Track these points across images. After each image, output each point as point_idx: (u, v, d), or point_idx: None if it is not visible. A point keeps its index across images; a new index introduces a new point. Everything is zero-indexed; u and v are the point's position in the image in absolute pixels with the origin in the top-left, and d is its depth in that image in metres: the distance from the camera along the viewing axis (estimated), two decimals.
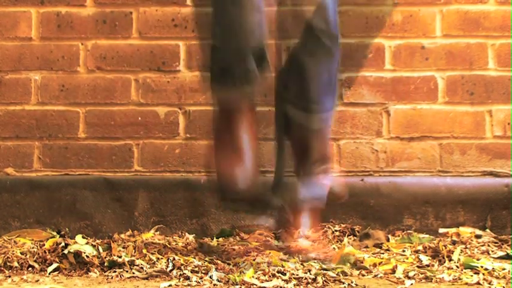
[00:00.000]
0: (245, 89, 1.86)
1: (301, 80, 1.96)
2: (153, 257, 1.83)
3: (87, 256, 1.75)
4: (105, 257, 1.76)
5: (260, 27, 1.91)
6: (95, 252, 1.76)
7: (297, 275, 1.65)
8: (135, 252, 1.86)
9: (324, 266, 1.74)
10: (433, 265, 1.80)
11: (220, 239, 2.19)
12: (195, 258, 1.83)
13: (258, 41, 1.88)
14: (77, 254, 1.74)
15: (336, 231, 2.19)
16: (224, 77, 1.86)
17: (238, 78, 1.85)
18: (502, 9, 2.36)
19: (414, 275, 1.70)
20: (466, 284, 1.64)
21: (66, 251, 1.75)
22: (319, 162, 1.99)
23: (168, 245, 2.01)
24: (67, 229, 2.25)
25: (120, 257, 1.77)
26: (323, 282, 1.61)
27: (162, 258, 1.82)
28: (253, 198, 1.81)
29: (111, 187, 2.30)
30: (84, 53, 2.37)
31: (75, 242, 1.83)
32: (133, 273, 1.69)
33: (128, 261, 1.76)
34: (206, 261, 1.80)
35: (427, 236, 2.18)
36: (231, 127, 1.83)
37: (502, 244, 2.10)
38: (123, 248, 1.88)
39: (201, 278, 1.64)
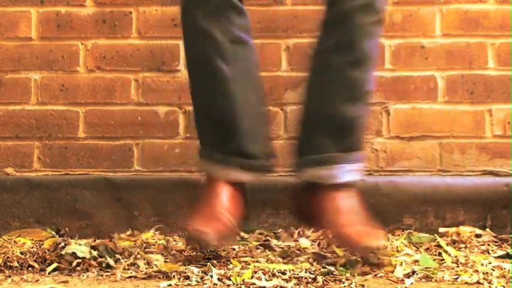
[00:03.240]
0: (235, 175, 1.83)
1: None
2: (153, 257, 1.83)
3: (87, 256, 1.74)
4: (105, 257, 1.76)
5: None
6: (94, 252, 1.76)
7: (297, 274, 1.65)
8: (134, 252, 1.85)
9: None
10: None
11: None
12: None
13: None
14: (77, 254, 1.74)
15: None
16: (212, 154, 1.85)
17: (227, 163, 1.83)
18: (501, 8, 2.36)
19: (414, 274, 1.70)
20: (466, 283, 1.64)
21: (65, 251, 1.75)
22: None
23: (168, 245, 2.01)
24: (67, 229, 2.25)
25: (120, 257, 1.77)
26: (323, 282, 1.61)
27: (161, 258, 1.82)
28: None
29: (111, 187, 2.30)
30: (84, 52, 2.37)
31: (75, 242, 1.83)
32: (133, 273, 1.69)
33: (128, 261, 1.76)
34: (206, 260, 1.80)
35: (427, 235, 2.18)
36: (213, 194, 1.83)
37: (502, 243, 2.09)
38: (123, 248, 1.88)
39: (201, 278, 1.64)
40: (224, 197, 1.82)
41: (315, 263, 1.79)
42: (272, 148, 1.94)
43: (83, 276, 1.68)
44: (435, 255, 1.91)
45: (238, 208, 1.84)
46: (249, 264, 1.77)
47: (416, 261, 1.81)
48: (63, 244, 1.78)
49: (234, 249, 2.00)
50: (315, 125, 1.85)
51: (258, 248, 2.00)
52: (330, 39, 1.83)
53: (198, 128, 1.89)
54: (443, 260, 1.84)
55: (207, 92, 1.83)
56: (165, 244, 2.02)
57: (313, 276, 1.63)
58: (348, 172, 1.83)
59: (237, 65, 1.81)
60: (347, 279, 1.63)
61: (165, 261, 1.81)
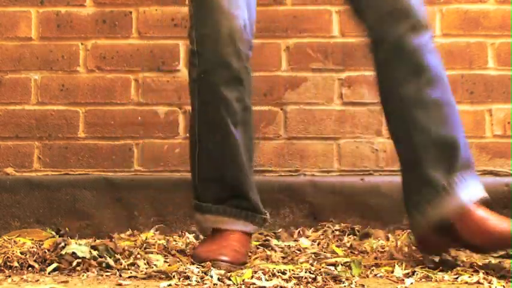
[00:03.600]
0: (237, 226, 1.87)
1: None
2: (153, 257, 1.83)
3: (87, 256, 1.74)
4: (105, 257, 1.75)
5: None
6: (94, 252, 1.76)
7: (297, 274, 1.65)
8: (134, 252, 1.85)
9: None
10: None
11: None
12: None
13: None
14: (77, 254, 1.74)
15: (335, 230, 2.19)
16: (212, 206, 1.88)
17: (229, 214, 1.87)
18: (501, 8, 2.36)
19: (414, 274, 1.70)
20: (466, 283, 1.64)
21: (65, 251, 1.75)
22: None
23: (168, 245, 2.01)
24: (67, 229, 2.25)
25: (120, 257, 1.77)
26: (323, 282, 1.61)
27: (162, 258, 1.82)
28: None
29: (111, 187, 2.30)
30: (84, 52, 2.37)
31: (75, 242, 1.83)
32: (133, 273, 1.69)
33: (128, 261, 1.76)
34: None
35: None
36: (223, 235, 1.86)
37: None
38: (123, 248, 1.88)
39: (201, 278, 1.64)
40: (234, 237, 1.85)
41: (315, 263, 1.79)
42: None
43: (83, 276, 1.68)
44: None
45: (246, 247, 1.88)
46: (249, 264, 1.77)
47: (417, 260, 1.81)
48: (63, 244, 1.78)
49: None
50: (419, 158, 1.79)
51: (258, 248, 2.00)
52: (395, 72, 1.79)
53: (199, 185, 1.91)
54: None
55: (218, 155, 1.86)
56: (165, 244, 2.02)
57: (313, 276, 1.63)
58: (468, 190, 1.76)
59: (244, 131, 1.86)
60: (347, 279, 1.63)
61: (165, 261, 1.81)
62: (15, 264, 1.75)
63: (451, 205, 1.74)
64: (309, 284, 1.59)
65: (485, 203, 1.76)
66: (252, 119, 1.92)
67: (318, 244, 2.06)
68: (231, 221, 1.87)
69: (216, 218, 1.87)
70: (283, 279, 1.61)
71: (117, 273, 1.70)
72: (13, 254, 1.82)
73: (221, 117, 1.83)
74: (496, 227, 1.70)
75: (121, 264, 1.75)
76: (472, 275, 1.68)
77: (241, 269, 1.72)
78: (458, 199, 1.74)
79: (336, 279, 1.63)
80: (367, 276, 1.70)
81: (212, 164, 1.88)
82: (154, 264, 1.77)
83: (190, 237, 2.18)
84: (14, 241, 2.10)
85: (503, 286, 1.59)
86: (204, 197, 1.89)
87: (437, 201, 1.75)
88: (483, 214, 1.73)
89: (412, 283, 1.63)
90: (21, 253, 1.84)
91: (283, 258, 1.88)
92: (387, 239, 2.12)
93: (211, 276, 1.63)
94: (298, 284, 1.59)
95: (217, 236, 1.85)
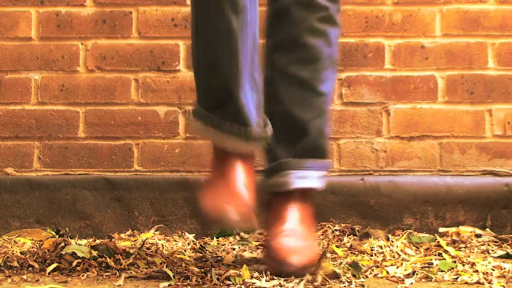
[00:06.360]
0: (243, 144, 1.63)
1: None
2: (153, 257, 1.83)
3: (87, 256, 1.74)
4: (105, 257, 1.76)
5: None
6: (94, 252, 1.76)
7: None
8: (134, 252, 1.86)
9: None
10: (432, 264, 1.80)
11: (220, 239, 2.19)
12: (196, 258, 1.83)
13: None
14: (77, 254, 1.74)
15: (336, 230, 2.19)
16: (218, 122, 1.62)
17: (236, 132, 1.62)
18: (501, 8, 2.36)
19: (414, 274, 1.70)
20: (466, 283, 1.64)
21: (65, 251, 1.75)
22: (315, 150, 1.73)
23: (168, 245, 2.01)
24: (67, 229, 2.25)
25: (120, 257, 1.77)
26: (323, 281, 1.61)
27: (161, 258, 1.82)
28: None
29: (111, 187, 2.30)
30: (84, 52, 2.37)
31: (75, 242, 1.83)
32: (133, 273, 1.69)
33: (128, 261, 1.76)
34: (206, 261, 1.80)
35: (427, 235, 2.18)
36: (226, 167, 1.63)
37: (502, 243, 2.10)
38: (123, 248, 1.88)
39: (201, 278, 1.64)
40: (239, 169, 1.64)
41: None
42: (266, 117, 1.72)
43: (83, 276, 1.68)
44: (435, 255, 1.92)
45: (252, 184, 1.67)
46: (249, 264, 1.77)
47: (417, 261, 1.81)
48: (63, 244, 1.78)
49: (233, 249, 2.00)
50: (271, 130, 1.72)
51: (258, 248, 2.00)
52: (272, 38, 1.74)
53: (196, 81, 1.69)
54: (443, 260, 1.84)
55: (212, 44, 1.61)
56: (165, 244, 2.02)
57: (313, 276, 1.63)
58: (300, 179, 1.72)
59: (244, 17, 1.59)
60: (347, 279, 1.63)
61: (165, 262, 1.81)
62: (15, 264, 1.75)
63: (274, 181, 1.73)
64: (308, 284, 1.59)
65: (309, 193, 1.74)
66: (256, 9, 1.64)
67: (318, 244, 2.06)
68: (214, 132, 1.62)
69: (204, 127, 1.65)
70: (283, 279, 1.61)
71: (117, 273, 1.70)
72: (13, 254, 1.82)
73: (217, 2, 1.57)
74: (276, 238, 1.65)
75: (121, 265, 1.75)
76: (472, 275, 1.69)
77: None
78: (284, 179, 1.72)
79: (336, 279, 1.63)
80: (367, 276, 1.70)
81: (204, 57, 1.63)
82: (154, 265, 1.77)
83: (190, 237, 2.19)
84: (14, 241, 2.10)
85: (503, 286, 1.59)
86: (199, 99, 1.67)
87: (270, 173, 1.74)
88: (287, 213, 1.70)
89: (412, 283, 1.63)
90: (21, 253, 1.84)
91: None
92: (387, 239, 2.12)
93: (211, 276, 1.63)
94: (298, 284, 1.59)
95: (219, 173, 1.63)
